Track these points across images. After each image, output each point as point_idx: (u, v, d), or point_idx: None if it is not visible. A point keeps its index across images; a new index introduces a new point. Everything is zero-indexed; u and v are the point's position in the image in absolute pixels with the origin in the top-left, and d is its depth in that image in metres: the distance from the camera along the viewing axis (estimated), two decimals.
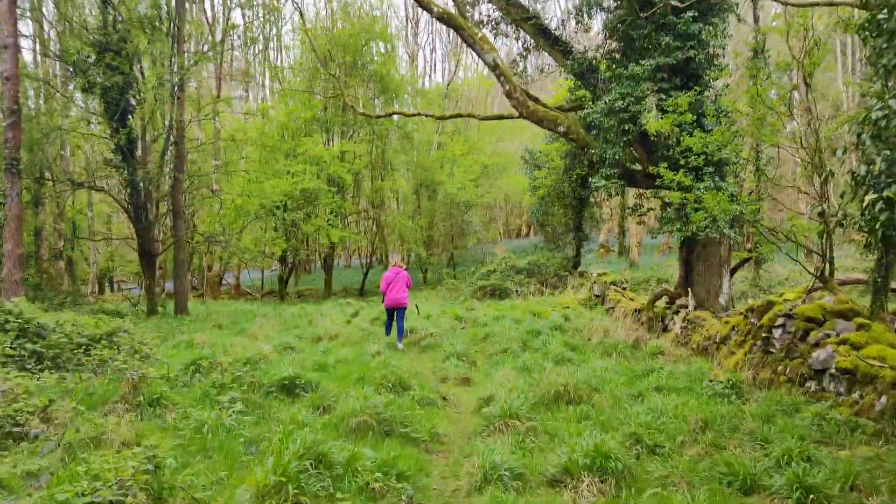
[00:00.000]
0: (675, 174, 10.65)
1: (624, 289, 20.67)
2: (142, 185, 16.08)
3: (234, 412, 6.55)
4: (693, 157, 11.62)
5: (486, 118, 18.38)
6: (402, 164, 32.42)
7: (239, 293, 32.00)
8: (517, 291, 24.68)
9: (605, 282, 20.84)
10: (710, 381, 9.04)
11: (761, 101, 9.82)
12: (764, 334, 9.70)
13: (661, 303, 15.53)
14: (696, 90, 12.27)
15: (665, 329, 14.29)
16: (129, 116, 16.07)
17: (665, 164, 10.80)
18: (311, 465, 4.72)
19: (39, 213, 24.59)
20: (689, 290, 14.11)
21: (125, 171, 16.02)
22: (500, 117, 17.74)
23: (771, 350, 9.41)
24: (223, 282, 35.16)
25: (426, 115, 19.44)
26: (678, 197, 10.77)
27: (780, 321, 9.44)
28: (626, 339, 13.37)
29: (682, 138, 11.38)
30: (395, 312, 13.25)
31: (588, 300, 21.58)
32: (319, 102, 29.06)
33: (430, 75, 44.37)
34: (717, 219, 13.31)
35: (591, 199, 28.39)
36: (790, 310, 9.37)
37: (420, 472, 5.64)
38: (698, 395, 8.50)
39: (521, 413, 6.94)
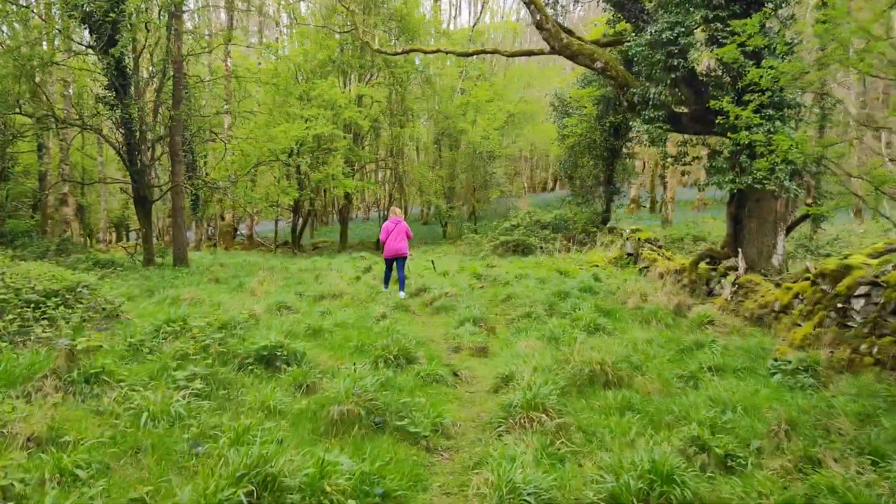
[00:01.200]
0: (741, 109, 8.86)
1: (659, 247, 19.03)
2: (136, 124, 14.67)
3: (188, 394, 5.21)
4: (758, 95, 9.84)
5: (513, 54, 16.54)
6: (422, 111, 30.58)
7: (252, 244, 30.88)
8: (542, 248, 23.14)
9: (639, 239, 19.20)
10: (776, 360, 7.54)
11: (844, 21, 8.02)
12: (840, 304, 8.11)
13: (705, 264, 13.91)
14: (765, 11, 10.39)
15: (710, 293, 12.71)
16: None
17: (723, 103, 9.00)
18: (255, 491, 3.34)
19: (43, 157, 23.44)
20: (739, 250, 12.46)
21: (118, 110, 14.61)
22: (530, 53, 15.92)
23: (850, 324, 7.84)
24: (237, 232, 34.07)
25: (447, 52, 17.66)
26: (745, 138, 9.06)
27: (862, 290, 7.83)
28: (667, 305, 11.84)
29: (746, 69, 9.57)
30: (395, 262, 13.14)
31: (619, 259, 19.99)
32: (336, 42, 27.18)
33: (455, 19, 41.97)
34: (778, 169, 11.60)
35: (624, 150, 26.52)
36: (876, 276, 7.76)
37: (415, 487, 4.27)
38: (764, 378, 7.02)
39: (549, 404, 5.50)
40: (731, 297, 11.33)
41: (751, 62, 9.96)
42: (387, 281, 13.56)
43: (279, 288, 13.20)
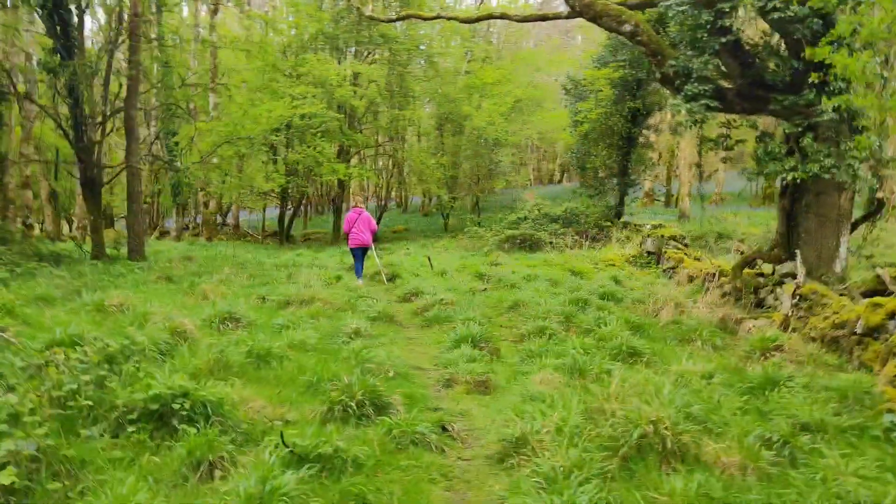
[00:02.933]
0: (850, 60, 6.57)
1: (685, 245, 16.86)
2: (82, 92, 12.51)
3: None
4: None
5: (525, 18, 14.32)
6: (424, 94, 28.33)
7: (238, 234, 28.78)
8: (551, 243, 20.96)
9: (662, 236, 17.01)
10: (891, 411, 5.43)
11: None
12: None
13: (749, 268, 11.72)
14: None
15: (760, 304, 10.53)
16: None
17: (823, 53, 6.75)
18: None
19: (2, 136, 21.29)
20: (797, 252, 10.26)
21: (62, 75, 12.47)
22: (544, 17, 13.73)
23: None
24: (223, 222, 31.99)
25: (449, 18, 15.50)
26: (847, 102, 6.85)
27: None
28: (710, 319, 9.71)
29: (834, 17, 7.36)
30: (359, 252, 13.14)
31: (638, 257, 17.82)
32: (328, 15, 24.90)
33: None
34: (848, 155, 9.45)
35: (640, 138, 24.29)
36: None
37: None
38: (888, 444, 4.90)
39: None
40: (792, 312, 9.15)
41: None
42: (359, 272, 13.20)
43: (240, 289, 11.07)
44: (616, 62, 21.72)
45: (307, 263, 16.12)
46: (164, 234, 28.79)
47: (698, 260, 15.12)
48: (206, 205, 27.83)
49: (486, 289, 12.91)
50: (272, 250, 22.62)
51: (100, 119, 13.14)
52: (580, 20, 13.20)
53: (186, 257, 16.16)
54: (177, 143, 21.14)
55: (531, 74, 34.96)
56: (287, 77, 22.79)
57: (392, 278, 14.02)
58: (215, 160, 26.31)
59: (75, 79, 12.56)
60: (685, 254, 15.84)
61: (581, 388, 6.02)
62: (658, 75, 11.47)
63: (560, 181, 55.65)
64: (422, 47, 27.53)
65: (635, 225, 24.14)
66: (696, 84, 10.27)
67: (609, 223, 23.31)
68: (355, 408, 5.11)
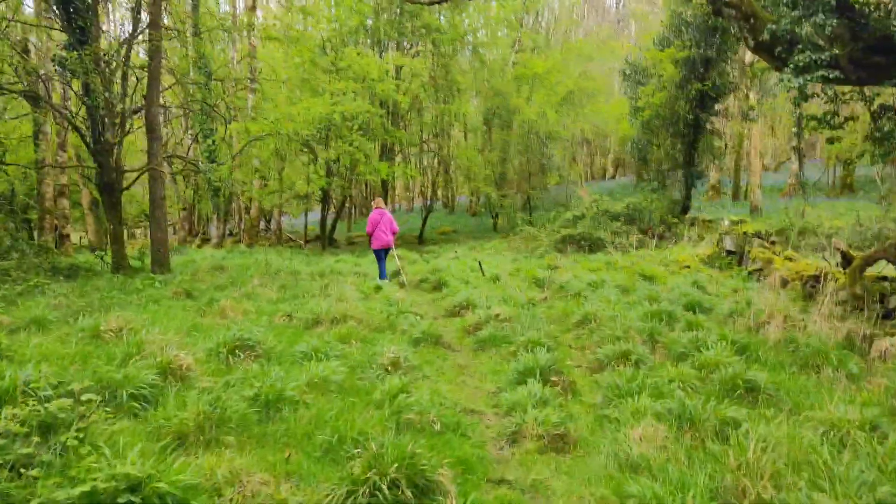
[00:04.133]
0: None
1: (772, 243, 14.85)
2: (97, 88, 11.38)
3: None
4: None
5: None
6: (470, 87, 26.77)
7: (280, 240, 27.74)
8: (613, 243, 19.13)
9: (745, 233, 15.04)
10: None
11: None
12: None
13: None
14: None
15: (888, 315, 8.61)
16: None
17: None
18: None
19: (41, 143, 20.69)
20: None
21: (78, 72, 11.39)
22: None
23: None
24: (266, 227, 31.08)
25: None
26: None
27: None
28: (830, 335, 7.85)
29: None
30: (382, 254, 13.22)
31: (715, 257, 15.90)
32: (369, 7, 23.56)
33: None
34: None
35: (707, 126, 22.20)
36: None
37: None
38: None
39: None
40: None
41: None
42: (383, 273, 13.22)
43: (266, 304, 9.71)
44: (681, 42, 19.78)
45: (347, 271, 14.76)
46: (206, 241, 27.98)
47: (790, 260, 13.14)
48: (247, 210, 26.89)
49: (545, 298, 11.28)
50: (313, 256, 21.42)
51: (118, 118, 11.99)
52: (634, 6, 11.51)
53: (218, 267, 14.99)
54: (214, 143, 20.08)
55: (583, 64, 33.01)
56: (326, 73, 21.56)
57: (438, 286, 12.55)
58: (256, 162, 25.42)
59: (89, 74, 11.43)
60: (773, 253, 13.86)
61: (699, 450, 4.38)
62: (751, 44, 9.61)
63: (613, 176, 53.38)
64: (468, 38, 25.95)
65: (705, 220, 22.07)
66: (807, 52, 8.41)
67: (675, 220, 21.36)
68: (386, 491, 3.59)
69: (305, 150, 21.95)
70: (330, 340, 7.31)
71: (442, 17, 25.10)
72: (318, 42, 22.19)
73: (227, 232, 28.63)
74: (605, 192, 28.84)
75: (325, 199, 24.20)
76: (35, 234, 22.98)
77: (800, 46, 8.49)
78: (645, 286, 12.09)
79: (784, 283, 12.20)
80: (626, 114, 31.06)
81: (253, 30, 22.72)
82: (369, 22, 23.78)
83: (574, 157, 37.82)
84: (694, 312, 9.53)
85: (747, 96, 24.53)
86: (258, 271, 13.78)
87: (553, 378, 6.24)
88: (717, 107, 21.91)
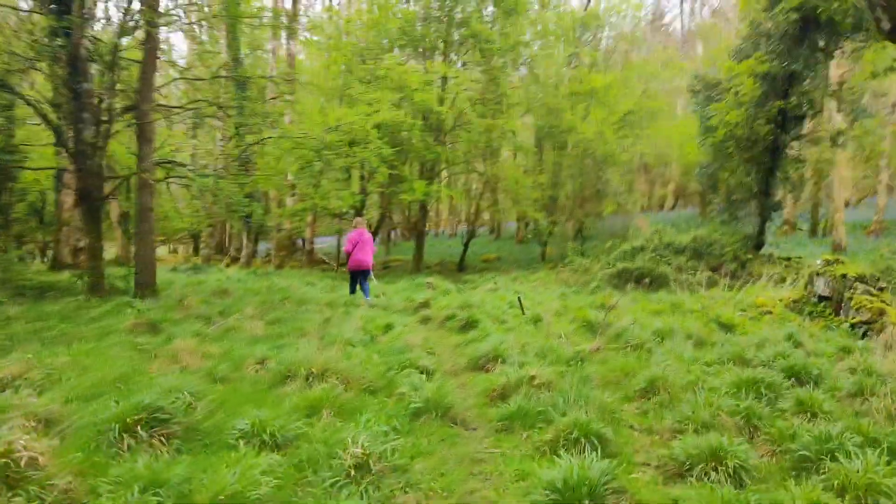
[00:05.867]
0: None
1: (881, 290, 12.13)
2: (82, 81, 9.73)
3: None
4: None
5: None
6: (521, 103, 24.67)
7: (312, 261, 26.02)
8: (677, 280, 16.61)
9: (844, 276, 12.35)
10: None
11: None
12: None
13: None
14: None
15: None
16: None
17: None
18: None
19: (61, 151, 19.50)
20: None
21: (63, 61, 9.80)
22: None
23: None
24: (302, 247, 29.49)
25: None
26: None
27: None
28: None
29: None
30: (359, 275, 13.10)
31: (802, 302, 13.19)
32: (412, 13, 21.82)
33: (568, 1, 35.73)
34: None
35: (789, 151, 19.52)
36: None
37: None
38: None
39: None
40: None
41: None
42: (353, 289, 13.29)
43: (243, 345, 7.73)
44: (761, 54, 17.33)
45: (367, 302, 12.72)
46: (235, 260, 26.46)
47: None
48: (278, 228, 25.31)
49: (598, 348, 8.97)
50: (340, 281, 19.54)
51: (105, 116, 10.33)
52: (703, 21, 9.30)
53: (220, 292, 13.21)
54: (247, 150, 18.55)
55: (645, 83, 30.61)
56: (363, 83, 19.84)
57: (466, 325, 10.38)
58: (290, 178, 23.83)
59: (75, 61, 9.81)
60: (882, 301, 11.23)
61: None
62: (886, 26, 7.22)
63: (673, 207, 50.32)
64: (520, 51, 23.92)
65: (782, 258, 19.34)
66: None
67: (749, 256, 18.71)
68: None
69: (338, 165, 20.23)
70: (293, 410, 5.24)
71: (494, 28, 23.19)
72: (356, 50, 20.53)
73: (255, 252, 27.12)
74: (667, 224, 26.24)
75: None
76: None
77: None
78: (724, 338, 9.64)
79: None
80: (692, 137, 28.52)
81: (297, 24, 21.16)
82: (416, 28, 21.98)
83: (632, 184, 35.25)
84: (799, 382, 7.12)
85: (830, 118, 21.76)
86: (261, 298, 11.89)
87: (611, 495, 4.00)
88: (800, 129, 19.26)
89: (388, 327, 9.24)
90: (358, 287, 13.39)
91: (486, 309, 11.92)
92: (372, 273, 13.71)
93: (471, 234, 26.03)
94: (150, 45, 10.68)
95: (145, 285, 10.84)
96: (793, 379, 7.14)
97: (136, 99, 10.71)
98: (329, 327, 8.96)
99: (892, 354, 8.63)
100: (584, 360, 7.88)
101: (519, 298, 12.00)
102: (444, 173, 27.34)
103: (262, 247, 32.95)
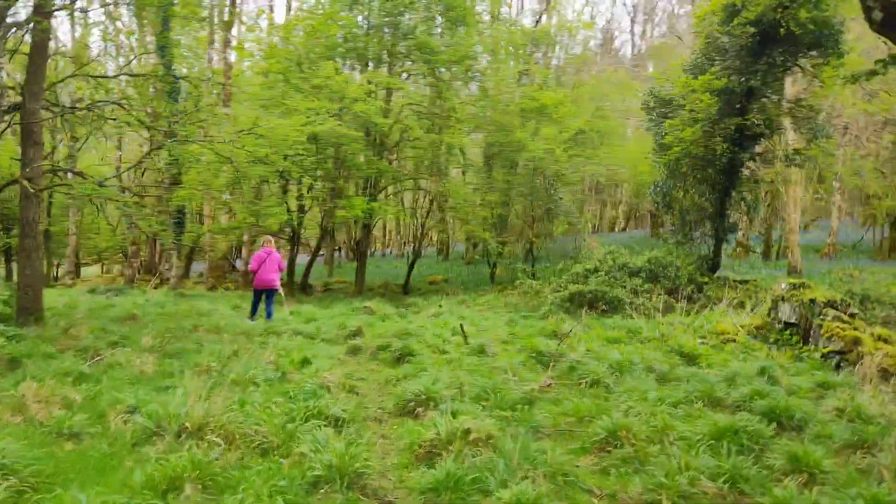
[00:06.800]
0: None
1: (852, 316, 11.33)
2: None
3: None
4: None
5: None
6: (469, 118, 23.66)
7: (249, 283, 24.29)
8: (633, 304, 15.68)
9: (808, 300, 11.52)
10: None
11: None
12: None
13: None
14: None
15: None
16: None
17: None
18: None
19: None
20: None
21: None
22: None
23: None
24: (235, 267, 27.76)
25: None
26: None
27: None
28: None
29: None
30: (265, 294, 12.84)
31: (766, 329, 12.37)
32: (352, 20, 20.66)
33: (518, 17, 35.25)
34: None
35: (744, 170, 18.98)
36: None
37: None
38: None
39: None
40: None
41: None
42: (254, 310, 12.92)
43: (123, 385, 6.29)
44: (718, 69, 16.74)
45: (291, 329, 11.25)
46: (165, 280, 24.54)
47: (884, 341, 9.66)
48: (210, 248, 23.59)
49: (549, 385, 7.82)
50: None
51: None
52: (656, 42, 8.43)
53: (128, 317, 11.63)
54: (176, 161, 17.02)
55: (596, 103, 30.10)
56: (299, 92, 18.49)
57: (400, 357, 9.11)
58: (227, 197, 22.25)
59: None
60: (855, 329, 10.42)
61: None
62: (878, 17, 6.30)
63: (624, 229, 50.19)
64: (470, 65, 22.97)
65: (737, 281, 18.66)
66: None
67: (705, 279, 17.97)
68: None
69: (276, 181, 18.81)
70: (144, 484, 3.87)
71: (442, 40, 22.20)
72: (294, 57, 19.22)
73: (187, 272, 25.27)
74: (619, 245, 25.54)
75: (293, 238, 20.82)
76: None
77: None
78: (689, 372, 8.62)
79: (884, 374, 8.72)
80: (643, 157, 28.00)
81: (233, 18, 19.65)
82: (358, 34, 20.72)
83: (583, 204, 34.66)
84: (781, 427, 6.09)
85: (784, 138, 21.39)
86: (167, 326, 10.36)
87: None
88: (756, 148, 18.75)
89: (306, 361, 7.86)
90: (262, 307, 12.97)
91: (426, 337, 10.68)
92: (282, 293, 13.51)
93: (416, 255, 24.75)
94: (40, 36, 9.20)
95: (29, 311, 9.23)
96: (774, 424, 6.11)
97: (24, 96, 9.19)
98: (234, 362, 7.55)
99: (876, 390, 7.70)
100: (532, 402, 6.69)
101: (461, 326, 10.77)
102: (390, 190, 26.06)
103: (197, 267, 31.01)
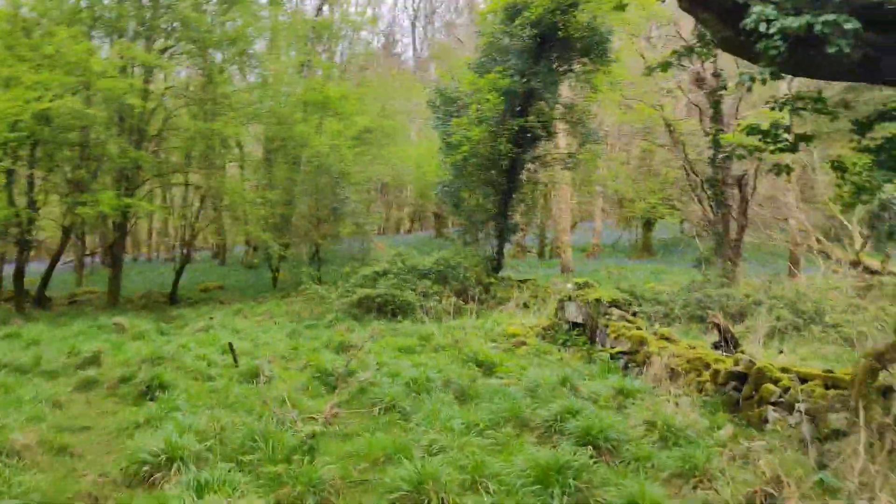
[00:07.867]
0: None
1: (634, 314, 11.51)
2: None
3: None
4: None
5: None
6: (246, 108, 21.39)
7: None
8: (423, 307, 14.96)
9: (597, 301, 11.52)
10: None
11: None
12: None
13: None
14: None
15: None
16: None
17: None
18: None
19: None
20: None
21: None
22: None
23: None
24: None
25: None
26: None
27: None
28: None
29: None
30: None
31: (554, 329, 12.25)
32: None
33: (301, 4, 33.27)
34: None
35: (524, 172, 19.36)
36: None
37: None
38: None
39: None
40: None
41: None
42: None
43: None
44: (502, 69, 16.69)
45: None
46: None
47: (668, 340, 9.78)
48: None
49: (336, 414, 6.53)
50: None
51: None
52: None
53: None
54: None
55: (382, 102, 29.37)
56: (25, 62, 15.05)
57: (147, 391, 7.23)
58: None
59: None
60: (639, 328, 10.52)
61: None
62: (722, 35, 5.84)
63: (409, 230, 50.42)
64: (245, 49, 20.82)
65: (519, 281, 18.90)
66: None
67: (491, 279, 17.91)
68: None
69: None
70: None
71: (212, 19, 19.77)
72: (18, 22, 15.67)
73: None
74: (406, 247, 24.96)
75: (21, 242, 16.95)
76: None
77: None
78: (490, 387, 7.86)
79: (671, 373, 8.72)
80: (429, 158, 27.89)
81: None
82: (107, 3, 17.55)
83: (370, 205, 33.82)
84: (597, 450, 5.43)
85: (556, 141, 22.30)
86: None
87: None
88: (535, 149, 19.15)
89: None
90: None
91: (186, 361, 8.79)
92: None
93: (185, 259, 21.86)
94: None
95: None
96: (589, 446, 5.44)
97: None
98: None
99: (673, 396, 7.50)
100: (314, 445, 5.32)
101: (230, 345, 9.02)
102: (155, 184, 22.79)
103: None
